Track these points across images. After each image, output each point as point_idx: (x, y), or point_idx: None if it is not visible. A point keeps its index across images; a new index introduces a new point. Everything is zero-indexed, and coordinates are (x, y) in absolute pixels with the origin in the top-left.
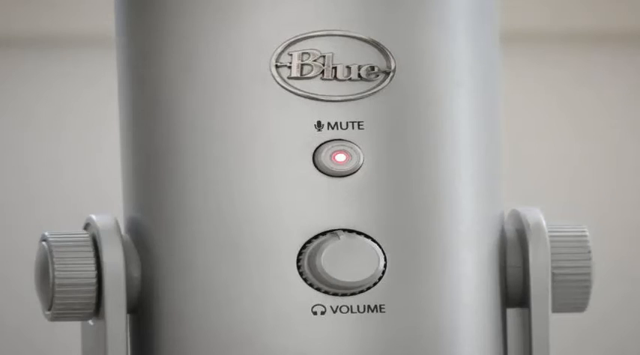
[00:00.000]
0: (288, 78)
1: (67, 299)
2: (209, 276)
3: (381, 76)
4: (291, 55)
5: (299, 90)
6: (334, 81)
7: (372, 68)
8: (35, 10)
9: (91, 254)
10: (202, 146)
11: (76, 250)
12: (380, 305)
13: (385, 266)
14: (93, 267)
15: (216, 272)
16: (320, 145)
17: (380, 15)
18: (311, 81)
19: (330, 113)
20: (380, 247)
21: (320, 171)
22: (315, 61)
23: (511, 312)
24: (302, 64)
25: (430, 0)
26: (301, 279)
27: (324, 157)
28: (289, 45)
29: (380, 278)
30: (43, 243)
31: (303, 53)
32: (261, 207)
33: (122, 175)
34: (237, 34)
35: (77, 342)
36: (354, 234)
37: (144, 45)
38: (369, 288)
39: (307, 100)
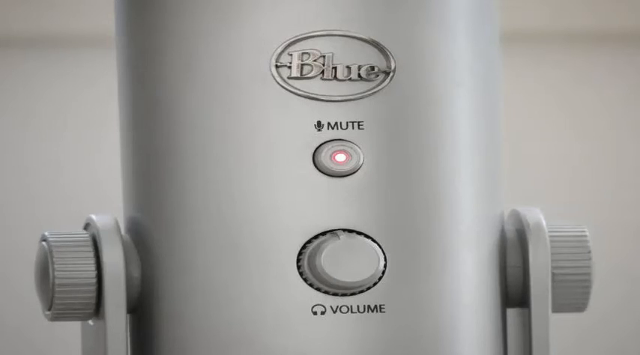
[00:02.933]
0: (288, 78)
1: (67, 299)
2: (209, 276)
3: (381, 76)
4: (291, 55)
5: (299, 90)
6: (334, 81)
7: (372, 68)
8: (35, 10)
9: (91, 254)
10: (202, 146)
11: (76, 250)
12: (380, 305)
13: (385, 266)
14: (93, 267)
15: (216, 272)
16: (320, 145)
17: (380, 15)
18: (311, 81)
19: (330, 113)
20: (380, 247)
21: (320, 171)
22: (315, 61)
23: (511, 312)
24: (302, 64)
25: (430, 0)
26: (301, 279)
27: (324, 157)
28: (289, 45)
29: (380, 278)
30: (43, 243)
31: (303, 53)
32: (261, 207)
33: (122, 175)
34: (237, 34)
35: (77, 342)
36: (354, 234)
37: (144, 45)
38: (369, 288)
39: (307, 100)
